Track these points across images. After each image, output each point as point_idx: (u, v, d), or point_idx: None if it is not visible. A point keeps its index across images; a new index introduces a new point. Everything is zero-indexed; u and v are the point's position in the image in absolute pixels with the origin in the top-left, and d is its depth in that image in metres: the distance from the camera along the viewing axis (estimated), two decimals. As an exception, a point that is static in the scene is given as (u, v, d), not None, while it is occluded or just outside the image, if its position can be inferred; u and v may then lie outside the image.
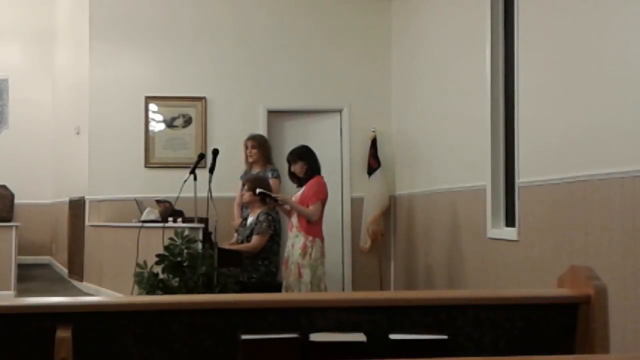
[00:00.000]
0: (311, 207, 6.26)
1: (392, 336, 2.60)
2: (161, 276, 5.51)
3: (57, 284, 9.82)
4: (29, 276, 9.98)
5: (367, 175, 8.58)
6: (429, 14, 7.80)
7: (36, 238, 11.30)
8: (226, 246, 6.42)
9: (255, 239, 6.46)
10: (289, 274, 6.28)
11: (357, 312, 2.65)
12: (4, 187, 9.81)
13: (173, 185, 6.77)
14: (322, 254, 6.32)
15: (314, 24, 8.91)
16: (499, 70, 6.32)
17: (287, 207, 6.44)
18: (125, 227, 7.84)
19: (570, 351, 2.68)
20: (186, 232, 5.88)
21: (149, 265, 5.54)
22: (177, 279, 5.46)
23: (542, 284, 5.26)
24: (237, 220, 7.09)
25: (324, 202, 6.38)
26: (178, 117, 8.76)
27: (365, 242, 8.57)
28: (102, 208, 8.88)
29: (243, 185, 6.88)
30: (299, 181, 6.46)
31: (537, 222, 5.54)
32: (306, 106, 8.89)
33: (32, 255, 11.03)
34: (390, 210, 8.65)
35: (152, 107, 8.74)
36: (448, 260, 7.19)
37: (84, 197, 9.08)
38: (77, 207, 9.51)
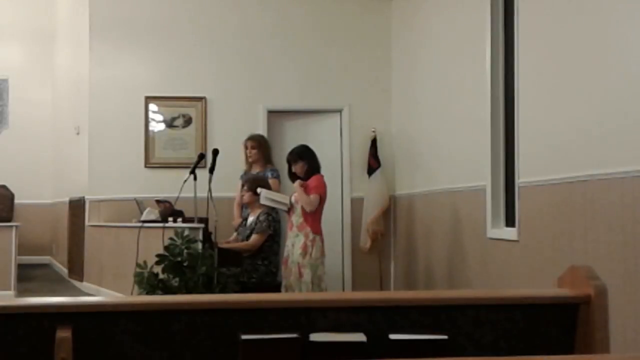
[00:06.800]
0: (311, 196, 6.28)
1: (392, 336, 2.60)
2: (161, 276, 5.51)
3: (57, 284, 9.81)
4: (29, 276, 9.98)
5: (367, 175, 8.58)
6: (429, 14, 7.80)
7: (36, 238, 11.28)
8: (224, 244, 6.42)
9: (253, 237, 6.47)
10: (289, 274, 6.29)
11: (357, 312, 2.65)
12: (4, 187, 9.80)
13: (173, 185, 6.78)
14: (322, 253, 6.33)
15: (314, 24, 8.91)
16: (499, 70, 6.32)
17: (287, 206, 6.45)
18: (125, 227, 7.84)
19: (570, 351, 2.68)
20: (186, 232, 5.88)
21: (149, 265, 5.55)
22: (177, 279, 5.46)
23: (542, 284, 5.26)
24: (237, 220, 7.09)
25: (323, 198, 6.39)
26: (178, 117, 8.76)
27: (365, 242, 8.57)
28: (102, 208, 8.88)
29: (243, 185, 6.88)
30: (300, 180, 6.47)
31: (537, 222, 5.53)
32: (306, 106, 8.89)
33: (32, 255, 11.01)
34: (390, 210, 8.64)
35: (152, 107, 8.74)
36: (448, 260, 7.19)
37: (84, 197, 9.08)
38: (77, 207, 9.51)
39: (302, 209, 6.31)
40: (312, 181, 6.40)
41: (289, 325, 2.59)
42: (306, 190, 6.33)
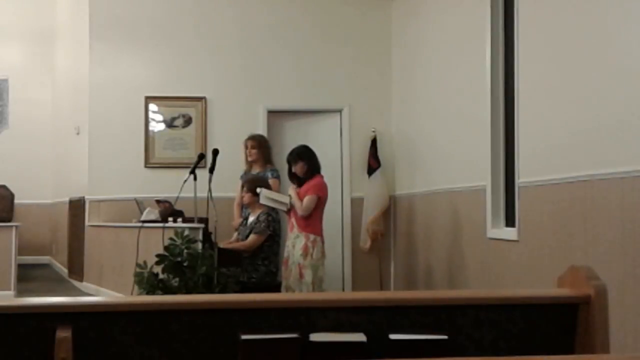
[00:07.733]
0: (305, 200, 6.27)
1: (392, 336, 2.60)
2: (161, 276, 5.52)
3: (57, 284, 9.81)
4: (29, 276, 9.98)
5: (367, 175, 8.58)
6: (429, 14, 7.80)
7: (36, 238, 11.29)
8: (223, 244, 6.42)
9: (251, 237, 6.47)
10: (289, 274, 6.28)
11: (357, 312, 2.65)
12: (4, 187, 9.80)
13: (173, 185, 6.78)
14: (323, 254, 6.33)
15: (314, 24, 8.91)
16: (499, 70, 6.32)
17: (287, 206, 6.45)
18: (125, 227, 7.84)
19: (570, 351, 2.68)
20: (186, 232, 5.89)
21: (149, 265, 5.55)
22: (177, 279, 5.46)
23: (542, 284, 5.26)
24: (237, 220, 7.09)
25: (322, 200, 6.38)
26: (178, 117, 8.76)
27: (365, 242, 8.57)
28: (102, 208, 8.88)
29: (243, 185, 6.88)
30: (299, 181, 6.46)
31: (537, 222, 5.53)
32: (306, 106, 8.89)
33: (32, 255, 11.02)
34: (390, 210, 8.64)
35: (152, 107, 8.74)
36: (448, 260, 7.19)
37: (84, 197, 9.08)
38: (77, 207, 9.51)
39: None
40: (310, 183, 6.38)
41: (289, 325, 2.59)
42: (299, 196, 6.33)
